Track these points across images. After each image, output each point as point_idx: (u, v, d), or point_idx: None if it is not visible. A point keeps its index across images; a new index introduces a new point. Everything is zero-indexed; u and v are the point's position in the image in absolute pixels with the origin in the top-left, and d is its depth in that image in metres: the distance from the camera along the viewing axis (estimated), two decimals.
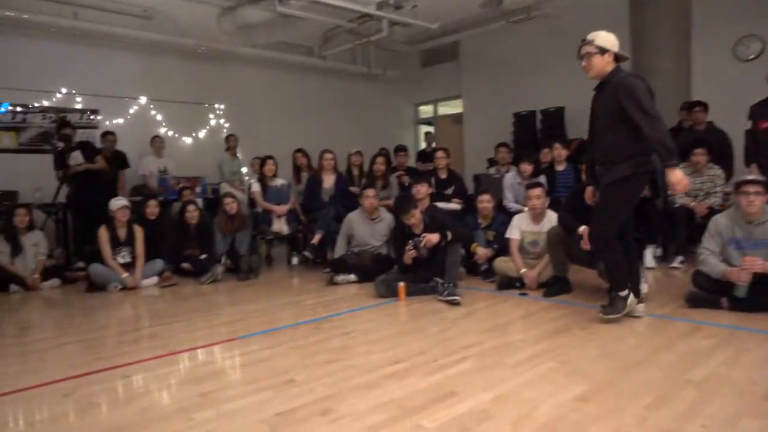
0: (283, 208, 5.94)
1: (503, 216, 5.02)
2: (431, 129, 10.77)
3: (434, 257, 4.24)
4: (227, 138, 7.50)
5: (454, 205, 5.65)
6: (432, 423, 1.98)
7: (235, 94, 8.59)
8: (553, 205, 4.55)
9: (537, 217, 4.46)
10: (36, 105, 6.95)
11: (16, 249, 5.11)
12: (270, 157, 6.21)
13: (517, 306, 3.88)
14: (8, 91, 6.65)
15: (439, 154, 5.97)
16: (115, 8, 7.23)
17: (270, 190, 6.05)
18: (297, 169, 6.36)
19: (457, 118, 10.46)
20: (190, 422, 2.07)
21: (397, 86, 10.83)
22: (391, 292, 4.17)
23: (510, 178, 5.70)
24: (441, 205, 5.46)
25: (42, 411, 2.27)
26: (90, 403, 2.32)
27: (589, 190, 3.55)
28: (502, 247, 4.73)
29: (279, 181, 6.15)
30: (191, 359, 2.91)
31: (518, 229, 4.53)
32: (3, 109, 6.72)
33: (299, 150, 6.44)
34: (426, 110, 11.44)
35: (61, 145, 6.00)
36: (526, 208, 4.73)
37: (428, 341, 3.05)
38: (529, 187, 4.56)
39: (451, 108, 10.89)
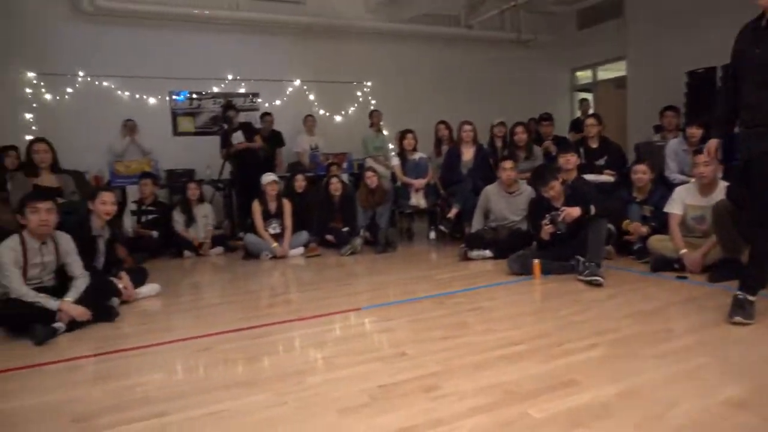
0: (420, 182, 5.90)
1: (663, 189, 4.40)
2: (587, 96, 9.90)
3: (576, 234, 3.88)
4: (371, 114, 7.65)
5: (607, 177, 5.11)
6: (540, 413, 1.79)
7: (382, 71, 8.72)
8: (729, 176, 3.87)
9: (705, 188, 3.83)
10: (208, 92, 7.80)
11: (190, 219, 5.84)
12: (409, 131, 6.20)
13: (672, 291, 3.38)
14: (186, 81, 7.57)
15: (590, 121, 5.41)
16: None
17: (409, 163, 6.04)
18: (438, 142, 6.26)
19: (619, 82, 9.43)
20: (300, 385, 2.15)
21: (551, 51, 10.07)
22: (525, 269, 3.92)
23: (674, 144, 4.94)
24: (591, 177, 4.96)
25: (180, 362, 2.54)
26: (221, 359, 2.53)
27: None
28: (660, 225, 4.17)
29: (418, 155, 6.10)
30: (318, 325, 3.02)
31: (681, 202, 3.95)
32: (182, 97, 7.67)
33: (442, 121, 6.33)
34: (584, 76, 10.51)
35: (225, 126, 6.65)
36: (692, 179, 4.10)
37: (556, 323, 2.79)
38: (697, 152, 3.95)
39: (612, 72, 9.86)
